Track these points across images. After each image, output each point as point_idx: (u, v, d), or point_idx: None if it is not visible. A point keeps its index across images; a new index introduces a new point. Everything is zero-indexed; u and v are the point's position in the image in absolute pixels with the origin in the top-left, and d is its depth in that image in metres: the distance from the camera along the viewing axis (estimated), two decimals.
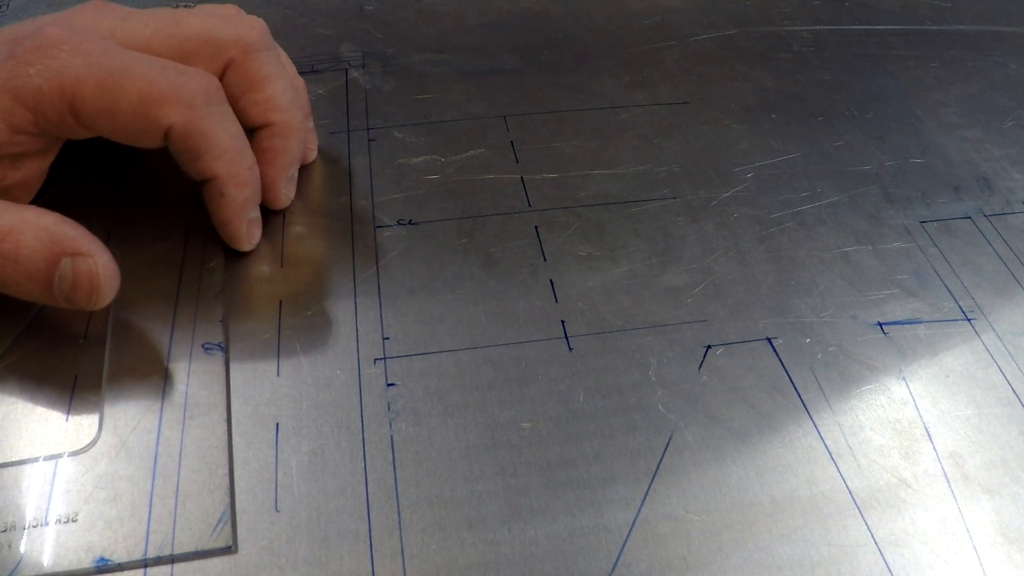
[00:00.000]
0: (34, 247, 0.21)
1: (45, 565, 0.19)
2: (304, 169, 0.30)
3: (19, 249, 0.21)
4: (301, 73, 0.32)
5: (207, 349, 0.24)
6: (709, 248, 0.28)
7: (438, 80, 0.35)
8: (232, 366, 0.24)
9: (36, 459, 0.21)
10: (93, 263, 0.22)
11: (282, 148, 0.27)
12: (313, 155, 0.31)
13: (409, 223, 0.29)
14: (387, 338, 0.25)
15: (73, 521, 0.20)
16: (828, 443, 0.23)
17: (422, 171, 0.31)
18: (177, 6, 0.28)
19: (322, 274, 0.27)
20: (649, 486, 0.22)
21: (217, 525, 0.20)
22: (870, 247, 0.28)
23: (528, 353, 0.25)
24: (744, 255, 0.28)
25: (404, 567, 0.20)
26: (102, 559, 0.20)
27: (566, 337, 0.25)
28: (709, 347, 0.25)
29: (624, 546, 0.20)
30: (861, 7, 0.41)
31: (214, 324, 0.25)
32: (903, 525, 0.21)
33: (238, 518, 0.21)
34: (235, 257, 0.27)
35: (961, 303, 0.27)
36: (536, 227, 0.29)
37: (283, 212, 0.29)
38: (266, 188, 0.27)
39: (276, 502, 0.21)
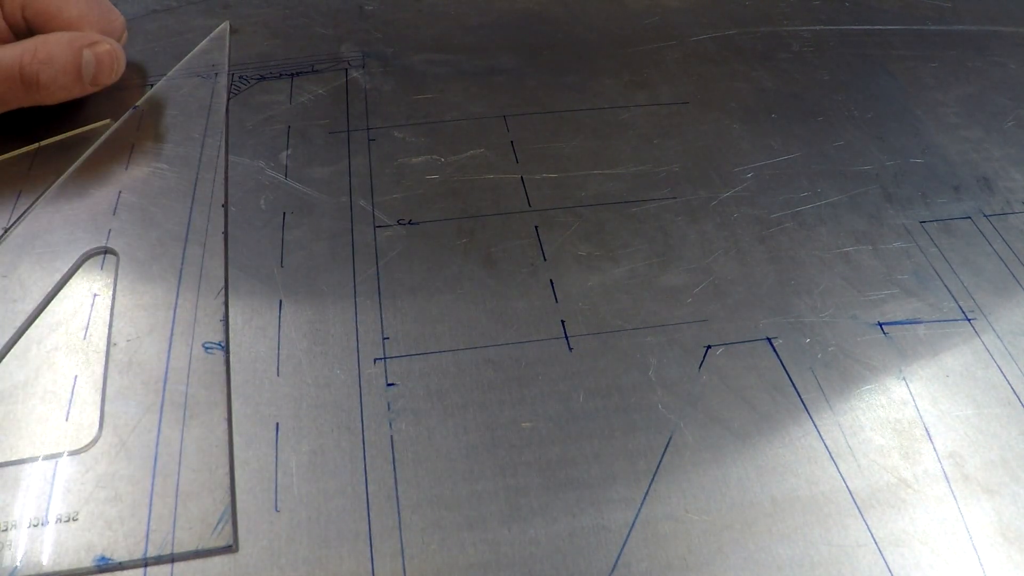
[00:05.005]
0: (61, 49, 0.29)
1: (45, 564, 0.19)
2: (304, 169, 0.30)
3: (51, 54, 0.29)
4: (301, 73, 0.32)
5: (207, 349, 0.24)
6: (709, 248, 0.28)
7: (438, 80, 0.35)
8: (232, 366, 0.24)
9: (36, 459, 0.21)
10: (106, 46, 0.31)
11: None
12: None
13: (409, 223, 0.29)
14: (387, 338, 0.25)
15: (73, 520, 0.20)
16: (828, 443, 0.23)
17: (422, 171, 0.31)
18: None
19: (322, 274, 0.27)
20: (649, 486, 0.22)
21: (217, 525, 0.20)
22: (870, 247, 0.28)
23: (528, 353, 0.25)
24: (744, 255, 0.28)
25: (404, 567, 0.20)
26: (102, 558, 0.20)
27: (566, 337, 0.25)
28: (709, 347, 0.25)
29: (624, 546, 0.20)
30: (861, 7, 0.41)
31: (214, 324, 0.25)
32: (903, 525, 0.21)
33: (238, 518, 0.21)
34: (236, 257, 0.27)
35: (961, 303, 0.27)
36: (536, 227, 0.29)
37: (283, 212, 0.29)
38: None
39: (276, 502, 0.21)
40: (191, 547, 0.20)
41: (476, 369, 0.24)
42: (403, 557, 0.20)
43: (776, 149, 0.32)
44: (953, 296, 0.27)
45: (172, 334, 0.24)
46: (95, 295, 0.26)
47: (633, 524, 0.21)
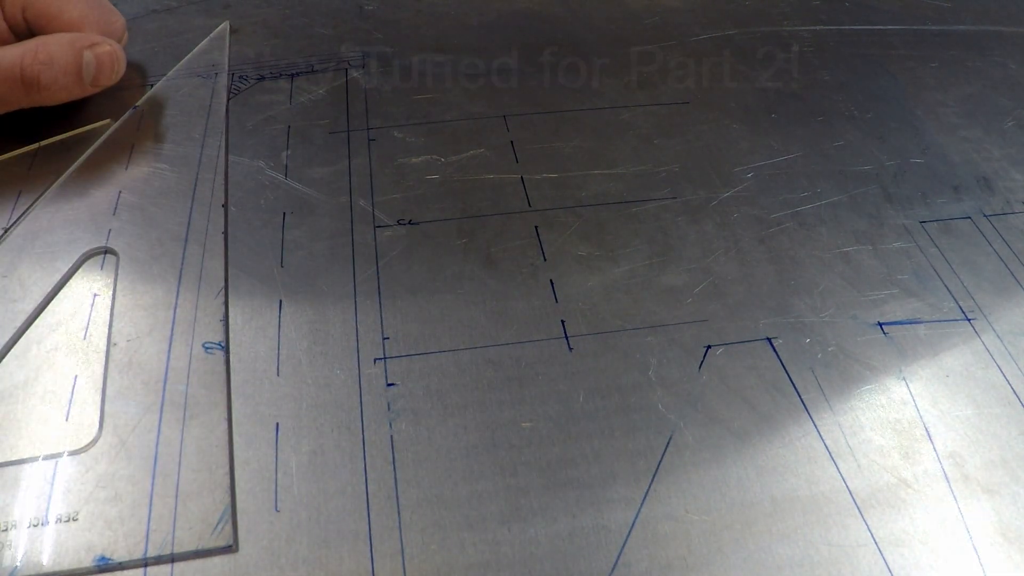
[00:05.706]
0: (62, 50, 0.29)
1: (45, 564, 0.19)
2: (304, 169, 0.30)
3: (52, 55, 0.29)
4: (301, 73, 0.32)
5: (207, 349, 0.24)
6: (709, 248, 0.28)
7: (438, 80, 0.35)
8: (232, 366, 0.24)
9: (36, 459, 0.21)
10: (107, 47, 0.31)
11: None
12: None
13: (409, 223, 0.29)
14: (387, 338, 0.25)
15: (73, 520, 0.20)
16: (828, 443, 0.23)
17: (422, 171, 0.31)
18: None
19: (322, 274, 0.27)
20: (649, 486, 0.22)
21: (217, 524, 0.20)
22: (870, 247, 0.28)
23: (528, 353, 0.25)
24: (744, 255, 0.28)
25: (404, 567, 0.20)
26: (102, 558, 0.20)
27: (566, 337, 0.25)
28: (709, 347, 0.25)
29: (624, 546, 0.20)
30: (861, 7, 0.41)
31: (214, 324, 0.25)
32: (903, 525, 0.21)
33: (238, 518, 0.21)
34: (236, 257, 0.27)
35: (961, 303, 0.27)
36: (536, 227, 0.29)
37: (283, 212, 0.29)
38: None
39: (276, 502, 0.21)
40: (191, 547, 0.20)
41: (476, 369, 0.24)
42: (403, 557, 0.20)
43: (776, 149, 0.32)
44: (953, 296, 0.27)
45: (172, 334, 0.24)
46: (95, 295, 0.26)
47: (633, 524, 0.21)
